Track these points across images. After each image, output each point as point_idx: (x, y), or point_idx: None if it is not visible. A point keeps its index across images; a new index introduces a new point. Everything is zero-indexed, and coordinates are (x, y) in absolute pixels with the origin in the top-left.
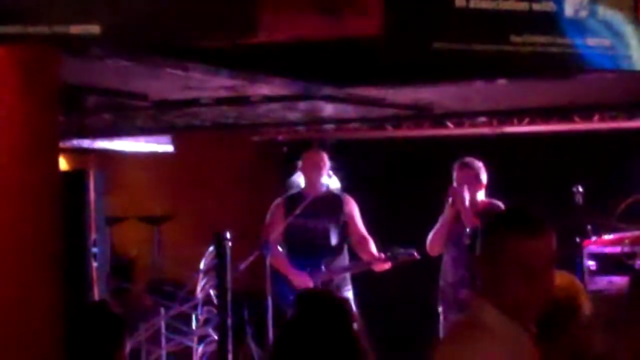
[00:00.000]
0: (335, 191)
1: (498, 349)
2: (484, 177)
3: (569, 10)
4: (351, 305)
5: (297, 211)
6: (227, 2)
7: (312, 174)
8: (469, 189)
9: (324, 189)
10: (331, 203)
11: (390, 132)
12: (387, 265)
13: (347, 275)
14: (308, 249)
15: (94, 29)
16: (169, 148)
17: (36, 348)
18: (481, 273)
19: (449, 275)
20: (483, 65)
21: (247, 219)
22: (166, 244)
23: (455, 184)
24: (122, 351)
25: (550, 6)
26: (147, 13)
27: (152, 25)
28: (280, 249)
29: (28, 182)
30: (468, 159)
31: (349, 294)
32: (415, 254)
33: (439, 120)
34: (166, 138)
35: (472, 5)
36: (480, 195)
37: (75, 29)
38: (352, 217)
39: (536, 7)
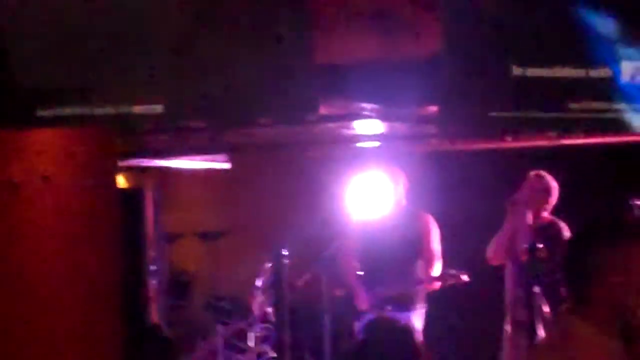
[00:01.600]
0: (411, 208)
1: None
2: (554, 194)
3: (625, 76)
4: (412, 334)
5: (372, 227)
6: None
7: (385, 190)
8: (535, 202)
9: (400, 205)
10: (406, 220)
11: (445, 145)
12: (436, 287)
13: (419, 292)
14: (380, 265)
15: (157, 108)
16: (226, 165)
17: None
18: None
19: (508, 294)
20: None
21: (300, 236)
22: (223, 260)
23: (522, 193)
24: None
25: (606, 72)
26: (210, 93)
27: (213, 104)
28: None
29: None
30: (544, 172)
31: (417, 314)
32: (466, 277)
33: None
34: (223, 155)
35: (529, 73)
36: (545, 213)
37: (138, 109)
38: (425, 235)
39: (593, 73)
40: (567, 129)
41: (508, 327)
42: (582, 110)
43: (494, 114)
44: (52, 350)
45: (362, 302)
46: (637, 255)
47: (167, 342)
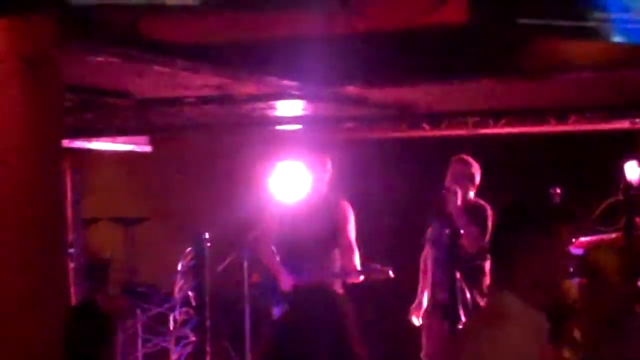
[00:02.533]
0: (333, 195)
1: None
2: (477, 176)
3: None
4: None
5: (292, 213)
6: None
7: (310, 176)
8: (463, 186)
9: (321, 190)
10: (327, 206)
11: (365, 132)
12: (359, 280)
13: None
14: (299, 251)
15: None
16: (147, 148)
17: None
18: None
19: (428, 275)
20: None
21: (222, 220)
22: (140, 245)
23: (449, 179)
24: (112, 349)
25: None
26: None
27: None
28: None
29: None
30: (466, 156)
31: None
32: (390, 272)
33: (415, 122)
34: (144, 138)
35: None
36: (470, 195)
37: (171, 0)
38: (343, 223)
39: None
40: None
41: (427, 308)
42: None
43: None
44: None
45: (285, 282)
46: (557, 236)
47: (104, 317)
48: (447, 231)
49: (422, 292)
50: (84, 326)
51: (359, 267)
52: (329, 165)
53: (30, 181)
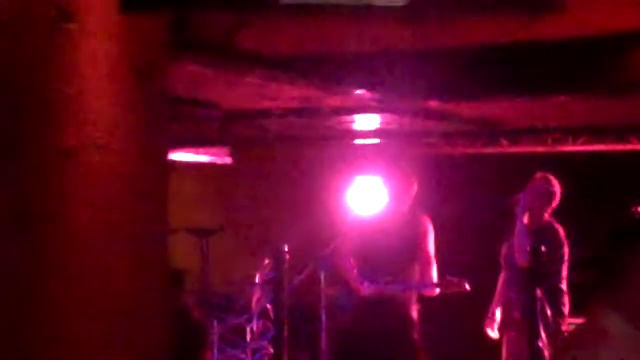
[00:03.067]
0: (413, 209)
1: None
2: (557, 197)
3: None
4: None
5: (371, 226)
6: None
7: (392, 192)
8: (537, 204)
9: (403, 207)
10: (407, 221)
11: (444, 147)
12: (435, 292)
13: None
14: (377, 265)
15: (400, 1)
16: (227, 160)
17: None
18: (609, 285)
19: (505, 297)
20: None
21: (298, 233)
22: (215, 257)
23: (528, 194)
24: (206, 355)
25: None
26: None
27: None
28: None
29: (142, 189)
30: (549, 175)
31: (414, 313)
32: (467, 285)
33: (493, 138)
34: (225, 150)
35: None
36: (545, 215)
37: (380, 1)
38: (423, 237)
39: None
40: None
41: (504, 329)
42: None
43: None
44: (101, 314)
45: (364, 289)
46: None
47: (198, 324)
48: (527, 249)
49: (496, 306)
50: (180, 333)
51: (435, 280)
52: (414, 183)
53: (139, 191)
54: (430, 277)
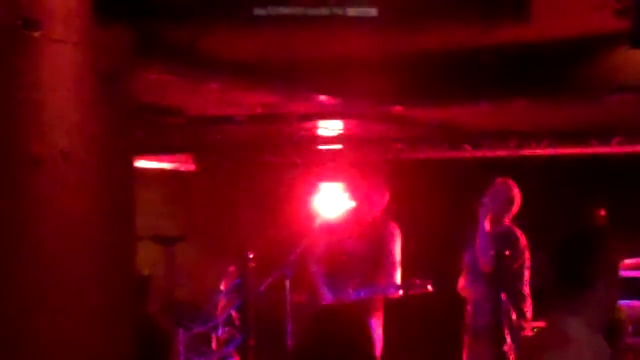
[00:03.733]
0: (380, 215)
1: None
2: (517, 202)
3: None
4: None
5: (337, 232)
6: None
7: (362, 199)
8: (498, 209)
9: (373, 215)
10: (374, 226)
11: (407, 153)
12: (398, 295)
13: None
14: (343, 269)
15: (372, 11)
16: (191, 167)
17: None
18: (569, 290)
19: (469, 302)
20: None
21: (262, 240)
22: (180, 264)
23: (487, 199)
24: None
25: None
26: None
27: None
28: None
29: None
30: (510, 180)
31: (377, 321)
32: (429, 287)
33: (455, 143)
34: (188, 157)
35: None
36: (506, 220)
37: (353, 12)
38: (389, 243)
39: None
40: None
41: (467, 336)
42: None
43: None
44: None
45: (327, 300)
46: (615, 262)
47: (164, 333)
48: (491, 253)
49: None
50: (145, 341)
51: (398, 282)
52: (386, 191)
53: (105, 198)
54: (394, 280)
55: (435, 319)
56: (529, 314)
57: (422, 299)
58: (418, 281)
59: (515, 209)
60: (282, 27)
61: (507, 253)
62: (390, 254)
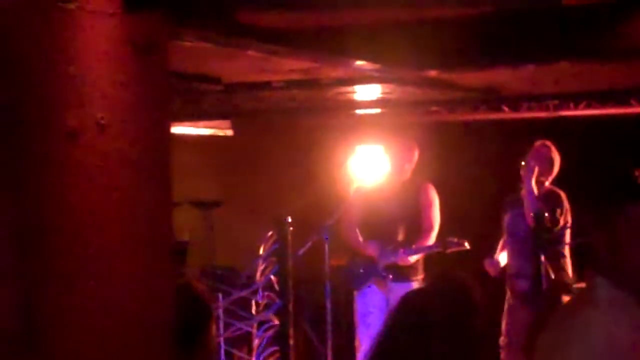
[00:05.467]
0: (416, 178)
1: (614, 324)
2: (557, 165)
3: None
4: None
5: (374, 195)
6: None
7: (394, 160)
8: (540, 172)
9: (405, 175)
10: (410, 189)
11: (446, 116)
12: (434, 250)
13: (418, 263)
14: (381, 233)
15: None
16: (229, 132)
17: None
18: (599, 249)
19: (509, 267)
20: None
21: (302, 204)
22: (219, 229)
23: (529, 160)
24: (210, 332)
25: None
26: None
27: None
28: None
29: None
30: (549, 143)
31: (418, 284)
32: (466, 244)
33: (494, 104)
34: (226, 122)
35: None
36: (546, 182)
37: None
38: (426, 205)
39: None
40: None
41: (507, 297)
42: None
43: None
44: (109, 300)
45: (372, 250)
46: None
47: (201, 300)
48: (531, 215)
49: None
50: (184, 308)
51: (432, 243)
52: (415, 150)
53: (142, 168)
54: (426, 242)
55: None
56: (568, 276)
57: (461, 263)
58: (455, 239)
59: (555, 170)
60: None
61: (547, 215)
62: (427, 217)
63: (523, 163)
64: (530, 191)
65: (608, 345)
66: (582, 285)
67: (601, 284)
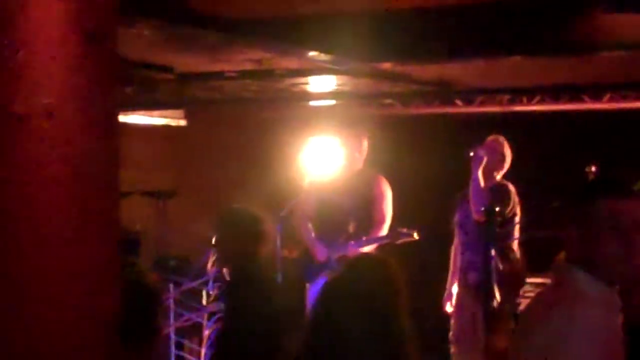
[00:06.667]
0: (368, 170)
1: (591, 311)
2: (508, 159)
3: None
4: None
5: (326, 188)
6: None
7: (344, 150)
8: (489, 165)
9: (356, 165)
10: (362, 182)
11: (399, 109)
12: (384, 242)
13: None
14: (333, 225)
15: None
16: (182, 122)
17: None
18: (571, 239)
19: (460, 260)
20: None
21: (253, 195)
22: (172, 219)
23: (476, 152)
24: (157, 322)
25: None
26: None
27: None
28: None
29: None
30: (501, 137)
31: None
32: (415, 234)
33: (447, 98)
34: (179, 112)
35: None
36: (497, 177)
37: None
38: (378, 197)
39: None
40: None
41: (458, 291)
42: None
43: None
44: (51, 290)
45: (320, 254)
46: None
47: (154, 288)
48: (481, 208)
49: (452, 282)
50: (132, 298)
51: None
52: (365, 142)
53: (89, 156)
54: (377, 233)
55: (427, 275)
56: (518, 268)
57: (413, 254)
58: (404, 230)
59: (506, 165)
60: None
61: (497, 208)
62: (379, 209)
63: (472, 154)
64: (476, 179)
65: (604, 335)
66: (536, 279)
67: (580, 276)
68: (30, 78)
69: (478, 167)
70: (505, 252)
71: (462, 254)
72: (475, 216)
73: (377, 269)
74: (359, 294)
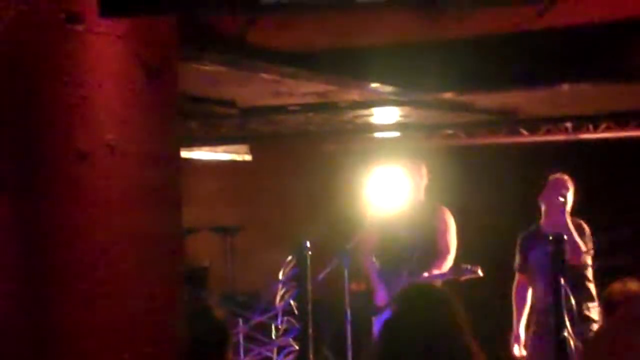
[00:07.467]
0: (430, 201)
1: None
2: (570, 196)
3: None
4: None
5: (391, 220)
6: None
7: (408, 180)
8: (554, 206)
9: (419, 195)
10: (424, 214)
11: (464, 140)
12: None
13: None
14: (397, 258)
15: None
16: (247, 157)
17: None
18: None
19: (537, 301)
20: None
21: (321, 228)
22: (239, 254)
23: (549, 196)
24: (227, 356)
25: None
26: None
27: None
28: (374, 259)
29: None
30: (564, 175)
31: None
32: (479, 271)
33: (512, 127)
34: (244, 147)
35: None
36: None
37: None
38: (442, 230)
39: None
40: None
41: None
42: None
43: None
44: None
45: (380, 298)
46: None
47: (220, 325)
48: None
49: (519, 322)
50: (202, 333)
51: (446, 270)
52: (424, 171)
53: (152, 189)
54: (441, 267)
55: (490, 311)
56: (592, 297)
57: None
58: (468, 266)
59: (570, 201)
60: (328, 15)
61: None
62: (444, 242)
63: (543, 200)
64: (568, 228)
65: None
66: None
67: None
68: (92, 114)
69: (564, 211)
70: (578, 281)
71: (540, 293)
72: (575, 261)
73: (437, 302)
74: (421, 329)
